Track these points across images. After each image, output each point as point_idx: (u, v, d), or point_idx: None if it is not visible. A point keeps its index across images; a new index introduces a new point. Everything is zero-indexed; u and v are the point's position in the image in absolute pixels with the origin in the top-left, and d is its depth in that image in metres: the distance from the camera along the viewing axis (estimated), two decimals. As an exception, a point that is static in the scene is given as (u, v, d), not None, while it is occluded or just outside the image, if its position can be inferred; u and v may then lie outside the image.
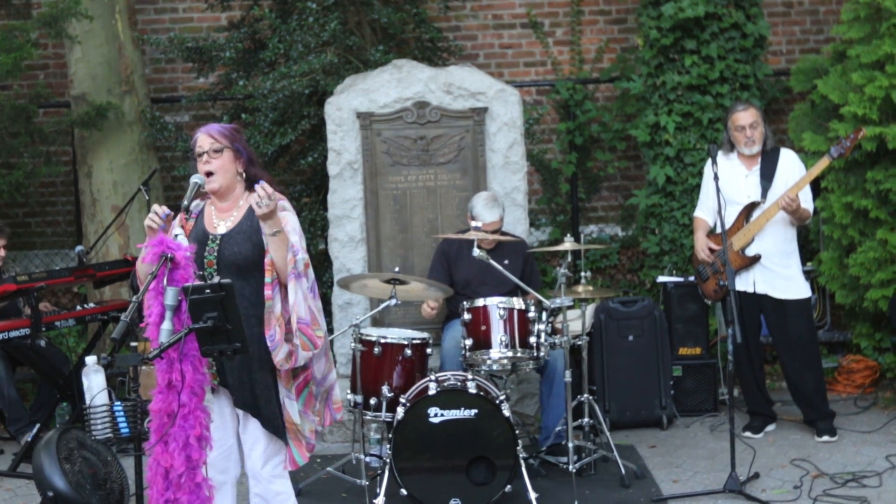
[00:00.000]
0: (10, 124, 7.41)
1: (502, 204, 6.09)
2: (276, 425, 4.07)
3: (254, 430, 4.10)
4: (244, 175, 4.15)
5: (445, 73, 6.66)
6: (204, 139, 4.11)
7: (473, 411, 5.06)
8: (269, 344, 3.94)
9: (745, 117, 6.14)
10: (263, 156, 7.53)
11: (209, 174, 4.08)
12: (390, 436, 5.13)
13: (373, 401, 5.38)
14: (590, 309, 6.57)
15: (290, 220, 4.09)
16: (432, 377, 5.28)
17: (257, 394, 4.06)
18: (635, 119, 8.13)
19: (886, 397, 6.91)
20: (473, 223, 5.72)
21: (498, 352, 5.44)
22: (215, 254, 4.06)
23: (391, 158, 6.56)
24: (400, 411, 5.12)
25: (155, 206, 3.89)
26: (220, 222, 4.14)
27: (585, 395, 5.80)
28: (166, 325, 3.60)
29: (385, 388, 5.35)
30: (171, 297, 3.61)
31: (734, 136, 6.19)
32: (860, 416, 6.62)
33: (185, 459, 3.69)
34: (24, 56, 7.09)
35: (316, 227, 7.57)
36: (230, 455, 4.20)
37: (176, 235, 3.85)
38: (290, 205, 4.18)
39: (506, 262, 5.87)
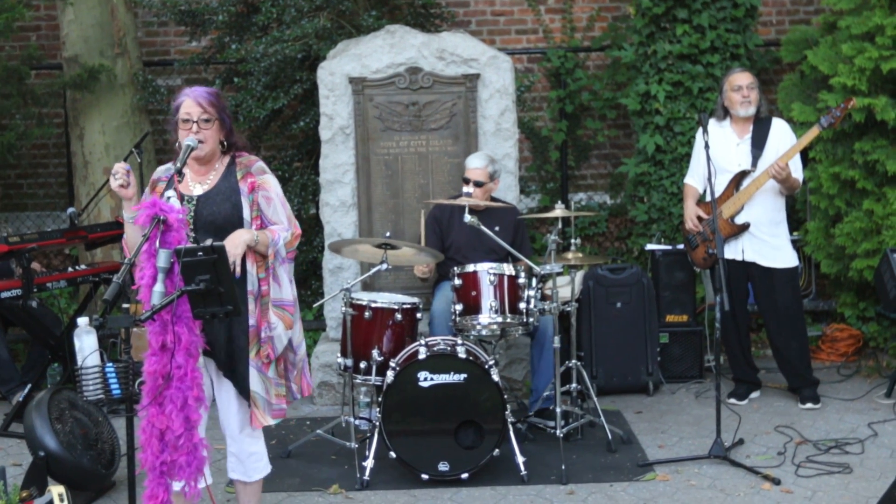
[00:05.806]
0: (1, 85, 7.38)
1: (496, 162, 6.10)
2: (245, 387, 4.08)
3: (228, 391, 4.11)
4: (226, 143, 4.18)
5: (438, 39, 6.65)
6: (192, 107, 4.08)
7: (462, 376, 5.10)
8: (264, 334, 4.04)
9: (744, 77, 6.17)
10: (255, 120, 7.53)
11: (201, 142, 4.07)
12: (380, 399, 5.16)
13: (363, 364, 5.40)
14: (578, 276, 6.60)
15: (270, 183, 4.17)
16: (422, 342, 5.31)
17: (234, 356, 4.06)
18: (626, 88, 8.11)
19: (869, 366, 6.98)
20: (466, 189, 5.72)
21: (487, 317, 5.46)
22: (192, 213, 4.07)
23: (383, 124, 6.56)
24: (390, 375, 5.15)
25: (115, 167, 3.91)
26: (197, 185, 4.16)
27: (573, 361, 5.84)
28: (158, 287, 3.58)
29: (375, 352, 5.37)
30: (163, 259, 3.60)
31: (730, 98, 6.19)
32: (843, 384, 6.69)
33: (183, 420, 3.68)
34: (16, 17, 7.07)
35: (307, 191, 7.57)
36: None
37: (168, 198, 3.83)
38: (267, 167, 4.23)
39: (496, 228, 5.90)
